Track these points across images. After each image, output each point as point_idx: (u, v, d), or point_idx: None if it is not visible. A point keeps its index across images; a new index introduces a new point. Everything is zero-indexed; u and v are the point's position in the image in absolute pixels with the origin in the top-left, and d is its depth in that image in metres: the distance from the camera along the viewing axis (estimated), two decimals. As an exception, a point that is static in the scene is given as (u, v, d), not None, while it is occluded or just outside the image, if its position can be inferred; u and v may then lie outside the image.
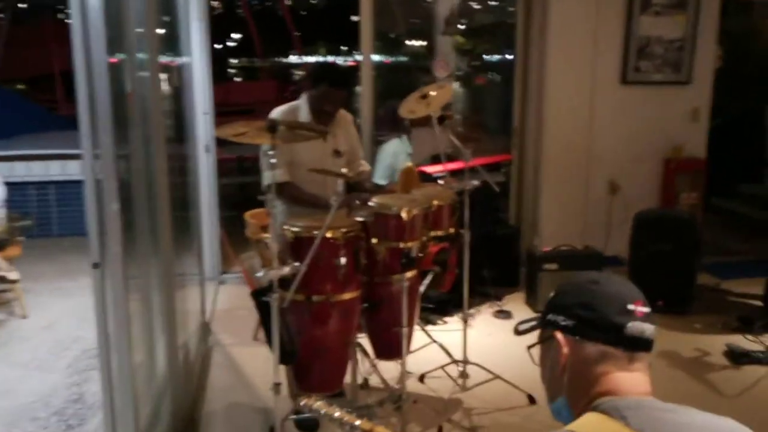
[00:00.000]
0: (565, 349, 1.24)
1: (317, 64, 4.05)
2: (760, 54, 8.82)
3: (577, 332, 1.24)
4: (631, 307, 1.23)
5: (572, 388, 1.25)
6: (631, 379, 1.21)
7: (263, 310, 2.58)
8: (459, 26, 6.04)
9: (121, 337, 2.41)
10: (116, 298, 2.34)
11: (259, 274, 2.49)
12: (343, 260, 2.81)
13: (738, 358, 3.87)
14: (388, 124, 4.82)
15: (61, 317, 4.68)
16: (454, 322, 4.50)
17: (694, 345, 4.11)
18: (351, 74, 5.57)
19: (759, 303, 4.43)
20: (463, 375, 3.60)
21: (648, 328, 1.23)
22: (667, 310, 4.49)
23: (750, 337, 4.16)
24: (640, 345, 1.22)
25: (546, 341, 1.31)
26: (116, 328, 2.39)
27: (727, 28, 5.75)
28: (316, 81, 3.33)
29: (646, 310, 1.25)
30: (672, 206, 5.59)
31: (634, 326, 1.21)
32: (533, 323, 1.36)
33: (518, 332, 1.38)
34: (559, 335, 1.26)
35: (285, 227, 2.86)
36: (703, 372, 3.78)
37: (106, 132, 2.17)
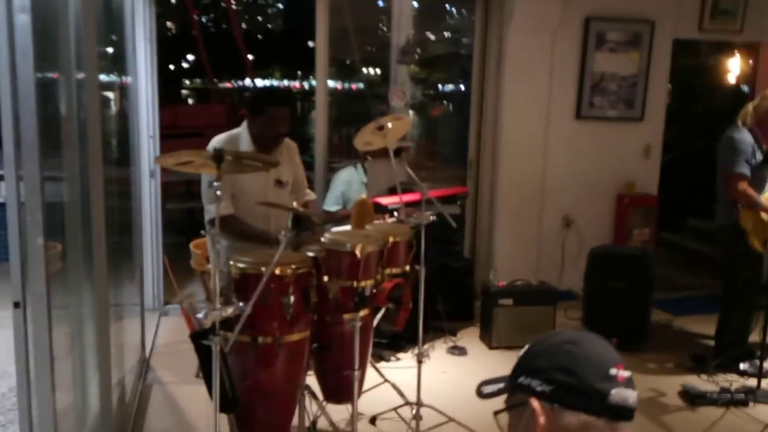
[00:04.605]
0: (542, 419, 1.11)
1: (255, 92, 3.99)
2: (707, 92, 9.06)
3: (555, 400, 1.11)
4: (613, 371, 1.12)
5: None
6: None
7: (203, 354, 2.39)
8: (415, 56, 6.00)
9: (44, 381, 2.20)
10: (39, 340, 2.13)
11: (200, 314, 2.30)
12: (292, 299, 2.65)
13: (693, 399, 3.81)
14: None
15: (-14, 351, 4.36)
16: (407, 358, 4.35)
17: (649, 385, 4.05)
18: (290, 93, 5.46)
19: (711, 341, 4.40)
20: (417, 417, 3.44)
21: (631, 395, 1.12)
22: (621, 347, 4.38)
23: (704, 377, 4.13)
24: (623, 414, 1.11)
25: (517, 407, 1.17)
26: (38, 371, 2.18)
27: (675, 67, 5.85)
28: (261, 107, 3.22)
29: (627, 374, 1.14)
30: (625, 242, 5.60)
31: (618, 393, 1.10)
32: (501, 386, 1.22)
33: (482, 395, 1.24)
34: (534, 402, 1.12)
35: (230, 263, 2.69)
36: (659, 413, 3.72)
37: (31, 153, 1.99)
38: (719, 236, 4.24)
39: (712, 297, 5.06)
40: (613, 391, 1.10)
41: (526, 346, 1.22)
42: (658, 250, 6.07)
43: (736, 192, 3.91)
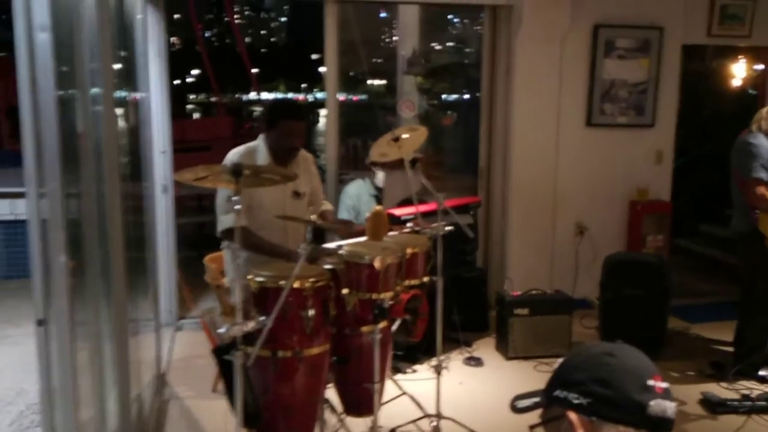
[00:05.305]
0: None
1: (269, 104, 4.05)
2: (713, 96, 9.03)
3: (593, 412, 1.10)
4: (650, 382, 1.11)
5: None
6: None
7: (226, 368, 2.38)
8: (422, 66, 6.01)
9: (66, 396, 2.19)
10: (62, 357, 2.13)
11: (222, 330, 2.29)
12: (311, 312, 2.63)
13: (714, 407, 3.77)
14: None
15: (5, 368, 4.35)
16: (423, 369, 4.33)
17: (668, 393, 4.01)
18: (302, 107, 5.49)
19: (730, 348, 4.36)
20: (436, 429, 3.42)
21: (669, 407, 1.11)
22: (639, 355, 4.39)
23: (725, 384, 4.08)
24: (662, 426, 1.10)
25: (553, 421, 1.16)
26: (61, 386, 2.17)
27: (681, 71, 5.83)
28: (274, 120, 3.23)
29: (664, 385, 1.13)
30: (639, 249, 5.57)
31: (657, 405, 1.09)
32: (536, 400, 1.21)
33: (516, 410, 1.23)
34: (572, 415, 1.11)
35: (249, 276, 2.68)
36: (680, 422, 3.67)
37: (53, 170, 1.99)
38: (737, 243, 4.20)
39: (728, 303, 5.02)
40: (652, 403, 1.09)
41: (561, 359, 1.21)
42: (672, 257, 6.03)
43: (755, 197, 3.87)
